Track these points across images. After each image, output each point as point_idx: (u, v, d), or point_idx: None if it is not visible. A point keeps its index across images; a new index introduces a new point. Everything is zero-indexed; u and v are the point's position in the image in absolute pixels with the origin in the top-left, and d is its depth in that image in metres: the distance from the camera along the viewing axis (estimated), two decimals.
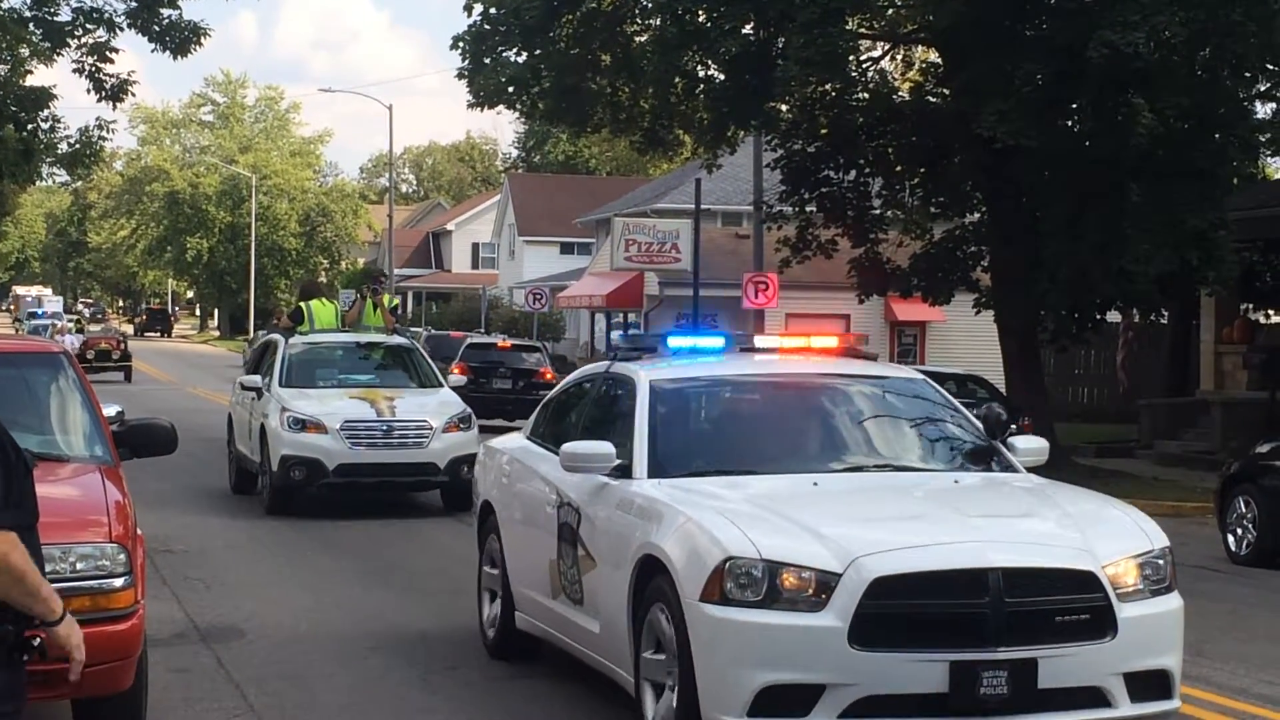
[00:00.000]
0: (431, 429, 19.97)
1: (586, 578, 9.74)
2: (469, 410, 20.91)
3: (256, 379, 21.44)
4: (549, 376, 38.49)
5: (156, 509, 18.69)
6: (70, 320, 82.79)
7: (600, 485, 9.76)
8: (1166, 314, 33.30)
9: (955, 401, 10.82)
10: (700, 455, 9.94)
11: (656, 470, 9.56)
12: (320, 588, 14.81)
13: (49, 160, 35.09)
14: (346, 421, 19.72)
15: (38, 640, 5.20)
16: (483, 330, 59.24)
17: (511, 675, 11.13)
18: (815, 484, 9.35)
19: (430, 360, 22.50)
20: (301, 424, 19.74)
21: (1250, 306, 34.72)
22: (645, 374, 10.35)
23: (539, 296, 55.15)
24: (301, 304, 22.83)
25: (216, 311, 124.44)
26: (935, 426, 10.49)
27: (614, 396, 10.79)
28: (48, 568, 6.47)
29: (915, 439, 10.45)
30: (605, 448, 9.73)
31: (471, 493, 18.19)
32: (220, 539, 17.91)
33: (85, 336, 62.15)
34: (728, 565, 8.12)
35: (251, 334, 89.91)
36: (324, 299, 23.31)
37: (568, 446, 9.91)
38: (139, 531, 8.78)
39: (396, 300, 24.41)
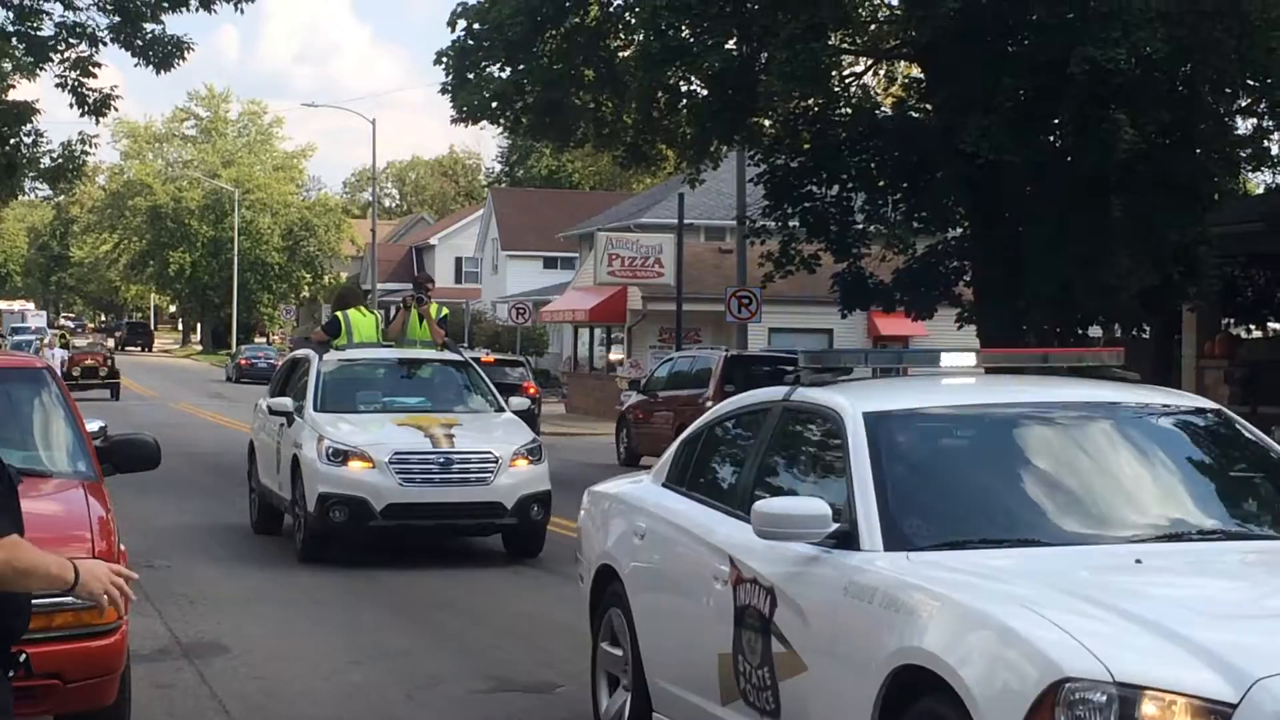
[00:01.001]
0: (496, 461, 17.08)
1: (788, 684, 7.25)
2: (538, 440, 18.17)
3: (286, 402, 18.34)
4: (532, 390, 38.56)
5: (140, 524, 18.65)
6: (55, 334, 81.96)
7: (808, 559, 7.23)
8: (1148, 328, 33.33)
9: (1266, 438, 8.13)
10: (956, 518, 7.30)
11: (896, 540, 6.99)
12: (303, 603, 14.80)
13: (31, 174, 35.15)
14: (397, 453, 16.89)
15: (23, 656, 5.21)
16: (466, 345, 59.26)
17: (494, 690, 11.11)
18: (1139, 560, 6.79)
19: (488, 379, 19.51)
20: (343, 455, 16.93)
21: (1232, 321, 34.77)
22: (853, 404, 7.74)
23: (522, 311, 55.20)
24: (337, 314, 19.63)
25: (199, 326, 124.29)
26: (1254, 474, 7.92)
27: (806, 435, 8.28)
28: None
29: (1237, 491, 7.89)
30: (817, 508, 7.16)
31: (540, 536, 17.60)
32: (203, 555, 17.89)
33: (71, 352, 59.59)
34: (1063, 691, 5.57)
35: (234, 348, 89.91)
36: (364, 308, 20.09)
37: (765, 505, 7.30)
38: (122, 547, 8.77)
39: (446, 310, 20.93)
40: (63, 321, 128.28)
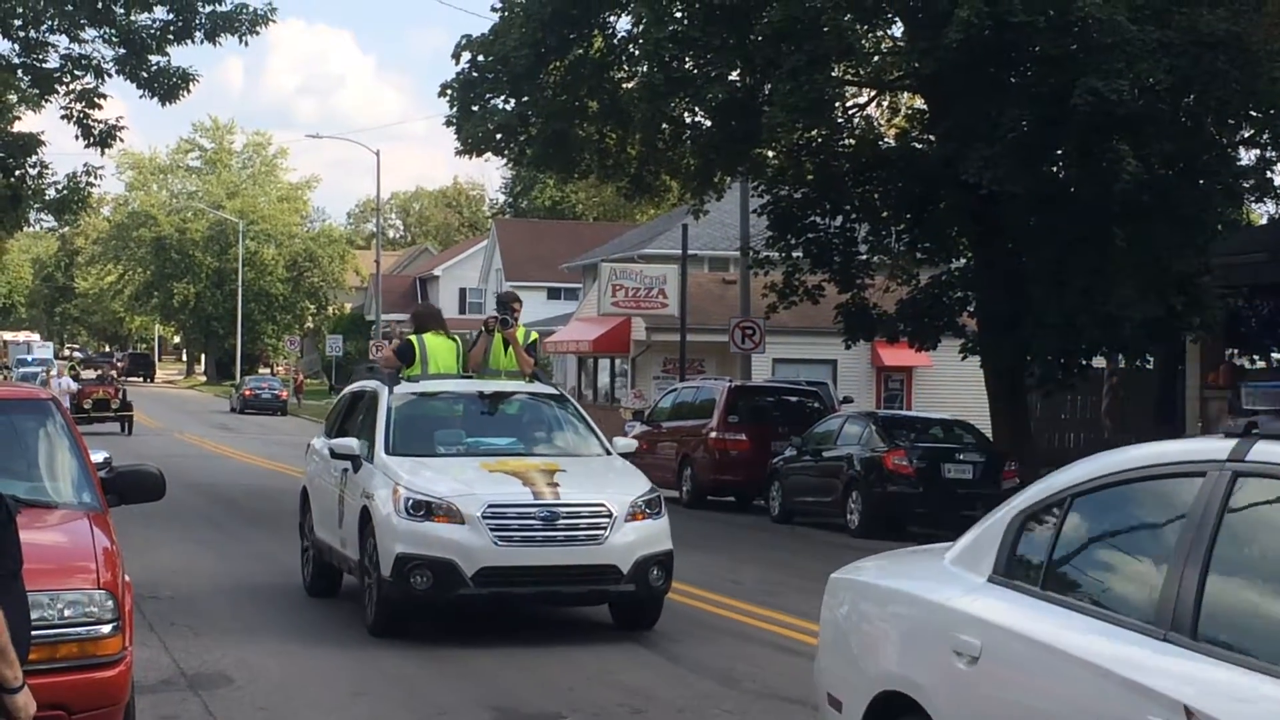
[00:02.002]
0: (610, 516, 14.39)
1: None
2: (657, 490, 15.45)
3: (351, 443, 15.62)
4: None
5: (144, 555, 18.66)
6: (61, 363, 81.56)
7: None
8: (1152, 359, 33.36)
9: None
10: None
11: None
12: (307, 633, 14.79)
13: (37, 206, 35.20)
14: (491, 506, 14.16)
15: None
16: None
17: None
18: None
19: (588, 416, 16.83)
20: (425, 508, 14.24)
21: (1235, 351, 34.79)
22: None
23: None
24: (411, 338, 16.83)
25: (203, 357, 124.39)
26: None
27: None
28: (35, 614, 6.50)
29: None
30: None
31: (659, 605, 14.96)
32: (208, 585, 17.88)
33: (81, 385, 56.86)
34: None
35: (238, 379, 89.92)
36: (443, 332, 17.02)
37: None
38: (127, 578, 8.78)
39: (535, 335, 17.74)
40: (68, 353, 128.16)
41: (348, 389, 18.54)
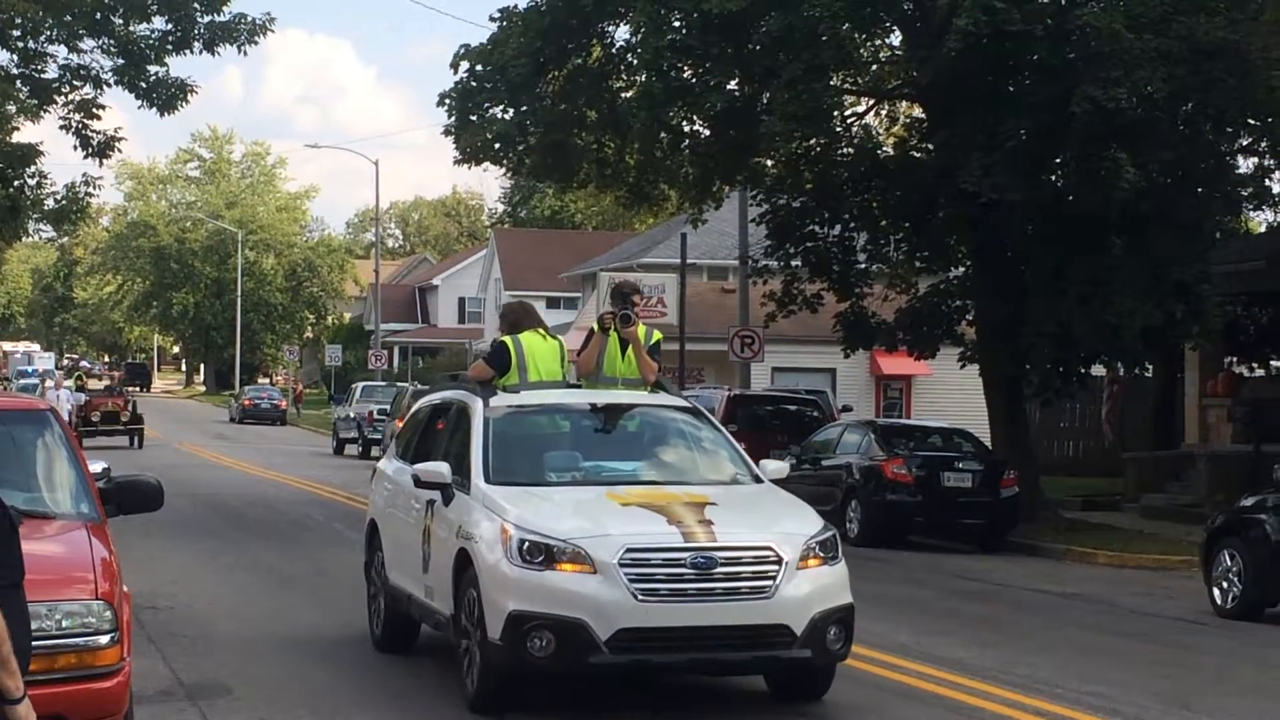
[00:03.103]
0: (780, 562, 11.31)
1: None
2: (831, 527, 12.18)
3: (439, 469, 12.53)
4: None
5: (143, 565, 18.64)
6: (61, 371, 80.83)
7: None
8: (1151, 367, 33.40)
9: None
10: None
11: None
12: (306, 643, 14.77)
13: (35, 216, 35.20)
14: (631, 550, 11.07)
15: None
16: None
17: None
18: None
19: (727, 433, 13.60)
20: (545, 553, 11.15)
21: (1234, 359, 34.85)
22: None
23: None
24: (506, 339, 13.57)
25: (202, 367, 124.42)
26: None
27: None
28: (34, 625, 6.50)
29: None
30: None
31: (832, 671, 11.96)
32: (206, 595, 17.85)
33: (87, 396, 54.24)
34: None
35: (237, 389, 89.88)
36: (543, 331, 13.81)
37: None
38: (125, 588, 8.78)
39: (659, 334, 13.91)
40: (67, 363, 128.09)
41: (423, 401, 15.39)
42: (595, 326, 13.83)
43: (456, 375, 17.54)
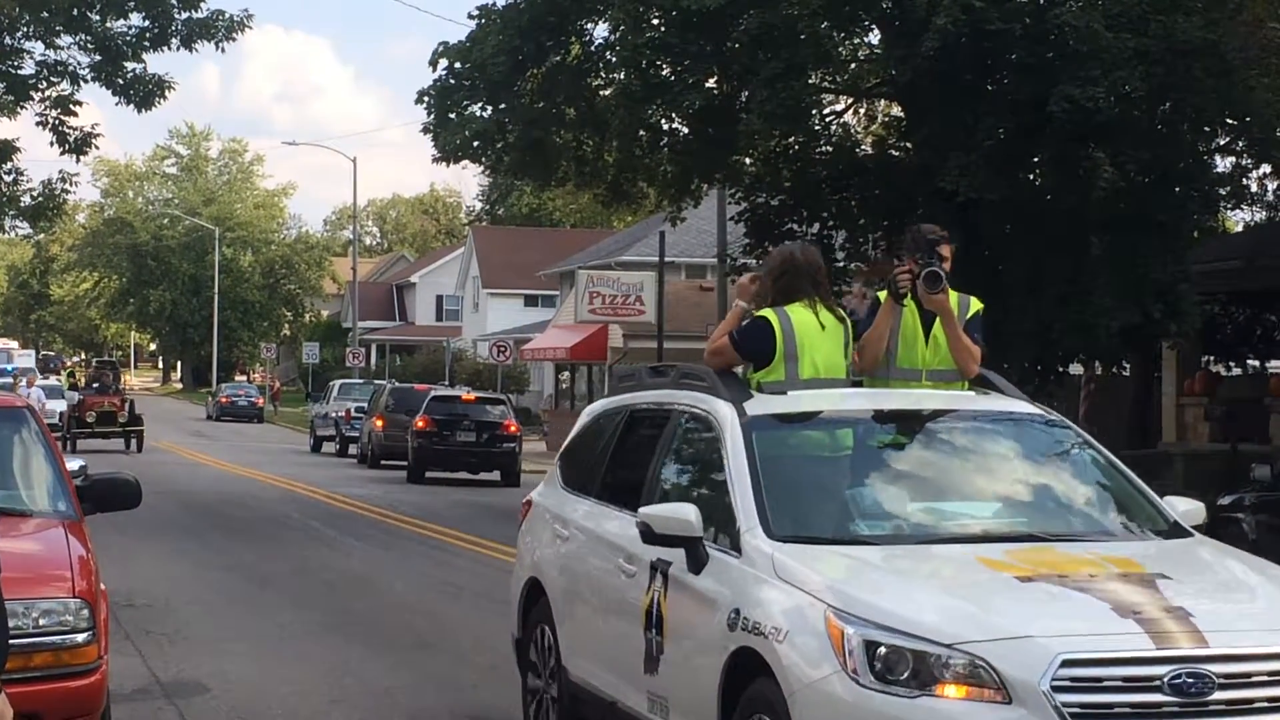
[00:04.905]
0: None
1: None
2: None
3: (683, 514, 8.06)
4: (513, 429, 38.53)
5: (120, 563, 18.57)
6: (33, 370, 79.87)
7: None
8: (1129, 366, 33.42)
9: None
10: None
11: None
12: (284, 642, 14.74)
13: (11, 213, 35.13)
14: (1069, 663, 6.64)
15: None
16: (447, 383, 59.26)
17: None
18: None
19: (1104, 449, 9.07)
20: (914, 665, 6.77)
21: (1212, 359, 34.90)
22: None
23: (503, 349, 55.22)
24: (770, 313, 8.93)
25: (179, 364, 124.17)
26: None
27: None
28: (10, 623, 6.47)
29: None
30: None
31: None
32: (184, 593, 17.81)
33: (81, 395, 50.42)
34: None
35: (215, 386, 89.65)
36: (820, 300, 9.06)
37: None
38: (102, 586, 8.74)
39: (978, 304, 9.01)
40: (42, 359, 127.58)
41: (606, 406, 10.49)
42: (881, 294, 9.25)
43: (661, 370, 10.13)
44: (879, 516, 8.03)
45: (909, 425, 8.65)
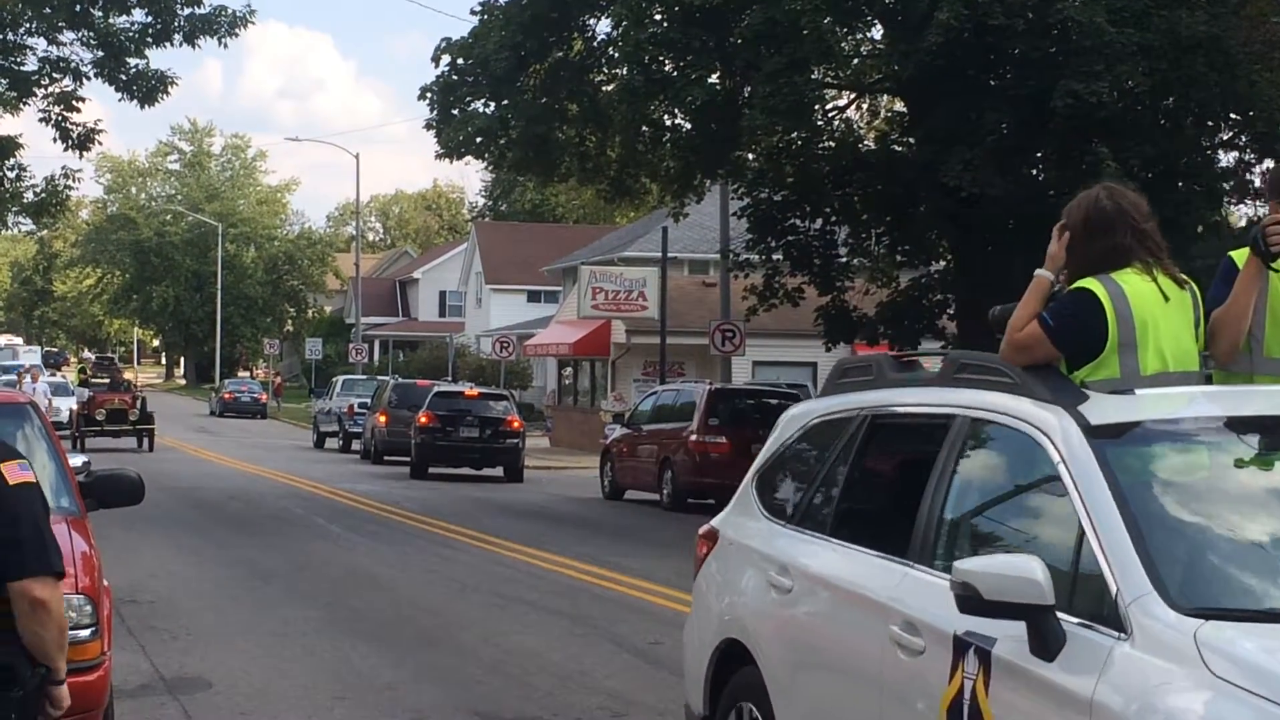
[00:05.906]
0: None
1: None
2: None
3: (1029, 569, 5.20)
4: (516, 425, 38.53)
5: (123, 559, 18.58)
6: (36, 366, 79.50)
7: None
8: None
9: None
10: None
11: None
12: (288, 638, 14.74)
13: (14, 209, 35.11)
14: None
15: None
16: (450, 379, 59.27)
17: None
18: None
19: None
20: None
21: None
22: None
23: (506, 345, 55.20)
24: (1096, 285, 6.33)
25: (182, 360, 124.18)
26: None
27: None
28: None
29: None
30: None
31: None
32: (187, 589, 17.81)
33: (92, 392, 48.74)
34: None
35: (218, 382, 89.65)
36: (1160, 267, 6.48)
37: None
38: (105, 583, 8.74)
39: None
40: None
41: (825, 410, 7.85)
42: (1238, 255, 6.98)
43: (907, 357, 7.56)
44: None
45: None
